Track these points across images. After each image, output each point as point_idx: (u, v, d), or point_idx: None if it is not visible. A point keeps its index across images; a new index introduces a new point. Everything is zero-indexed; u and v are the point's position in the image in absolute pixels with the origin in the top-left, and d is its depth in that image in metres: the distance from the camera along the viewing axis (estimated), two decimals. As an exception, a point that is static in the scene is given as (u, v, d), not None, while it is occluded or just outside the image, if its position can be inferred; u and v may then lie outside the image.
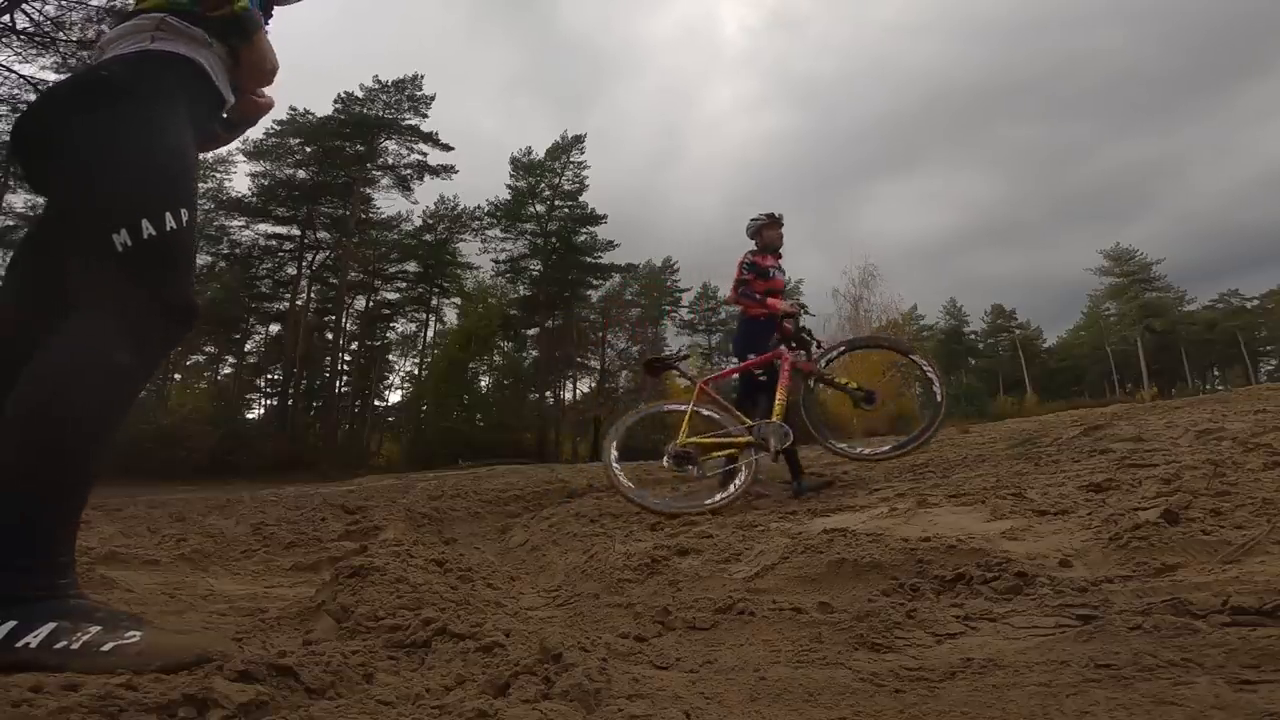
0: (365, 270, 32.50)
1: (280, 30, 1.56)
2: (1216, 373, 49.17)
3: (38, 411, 0.98)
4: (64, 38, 14.77)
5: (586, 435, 34.22)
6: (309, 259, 32.07)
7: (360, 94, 31.42)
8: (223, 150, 30.61)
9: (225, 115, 1.40)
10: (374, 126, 31.37)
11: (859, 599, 1.23)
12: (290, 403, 30.25)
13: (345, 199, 31.37)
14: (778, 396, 3.70)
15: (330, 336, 32.83)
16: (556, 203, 35.85)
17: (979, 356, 51.18)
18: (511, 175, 35.67)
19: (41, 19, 14.38)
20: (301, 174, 31.16)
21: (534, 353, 35.85)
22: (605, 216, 35.93)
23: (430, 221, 34.20)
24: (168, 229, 1.10)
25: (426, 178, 32.46)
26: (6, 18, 13.99)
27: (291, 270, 32.15)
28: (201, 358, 32.29)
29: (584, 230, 36.28)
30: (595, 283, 37.04)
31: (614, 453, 3.57)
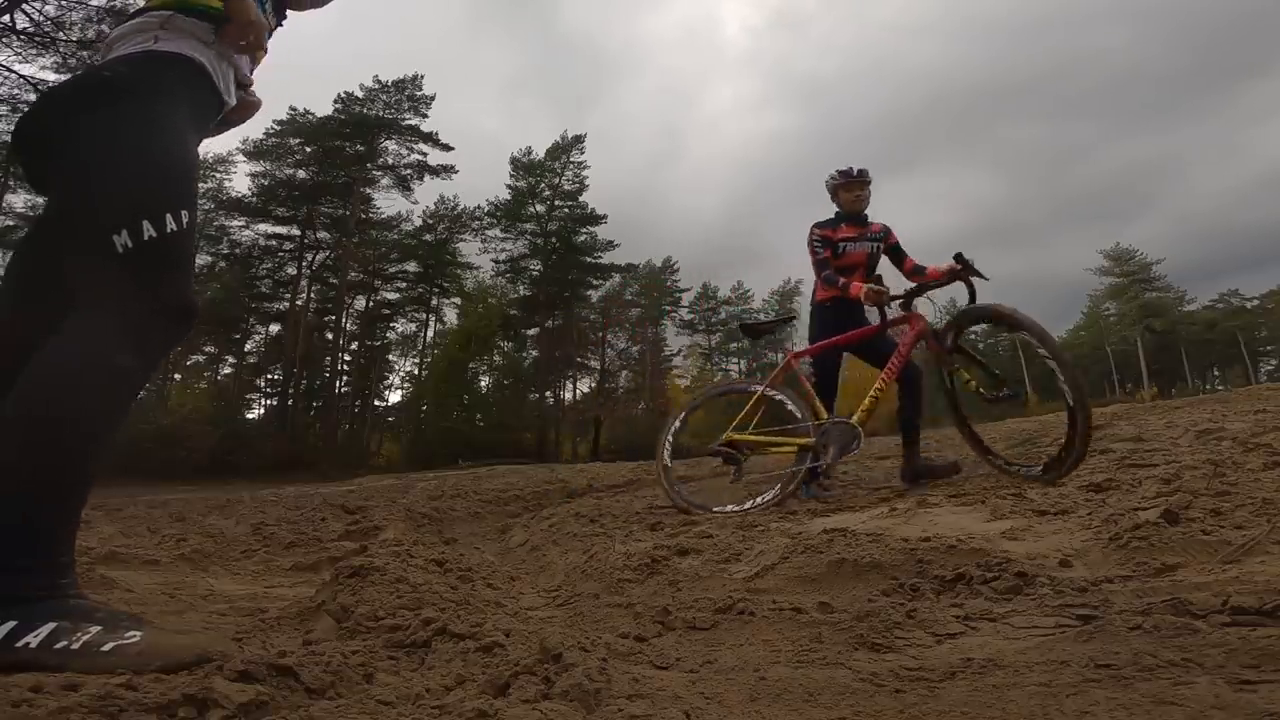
0: (365, 270, 32.52)
1: (281, 29, 1.56)
2: (1216, 373, 49.16)
3: (38, 412, 0.98)
4: (64, 38, 14.78)
5: (586, 435, 34.24)
6: (309, 259, 32.09)
7: (360, 94, 31.45)
8: (223, 150, 30.66)
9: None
10: (374, 126, 31.39)
11: (859, 599, 1.23)
12: (290, 403, 30.26)
13: (345, 199, 31.39)
14: (878, 383, 3.09)
15: (330, 336, 32.85)
16: (556, 203, 35.87)
17: (979, 356, 51.10)
18: (511, 175, 35.73)
19: (41, 19, 14.39)
20: (301, 174, 31.19)
21: (534, 353, 35.88)
22: (605, 216, 35.99)
23: (430, 221, 34.23)
24: (168, 230, 1.10)
25: (426, 178, 32.53)
26: (6, 18, 13.99)
27: (291, 270, 32.19)
28: (201, 358, 32.31)
29: (584, 230, 36.31)
30: (595, 283, 37.09)
31: (668, 445, 3.27)
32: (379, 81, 31.44)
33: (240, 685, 0.74)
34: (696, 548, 1.95)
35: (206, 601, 1.64)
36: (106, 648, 0.90)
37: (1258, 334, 46.84)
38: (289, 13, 1.56)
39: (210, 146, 33.15)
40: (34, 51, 15.17)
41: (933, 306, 3.20)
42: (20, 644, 0.88)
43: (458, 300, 35.09)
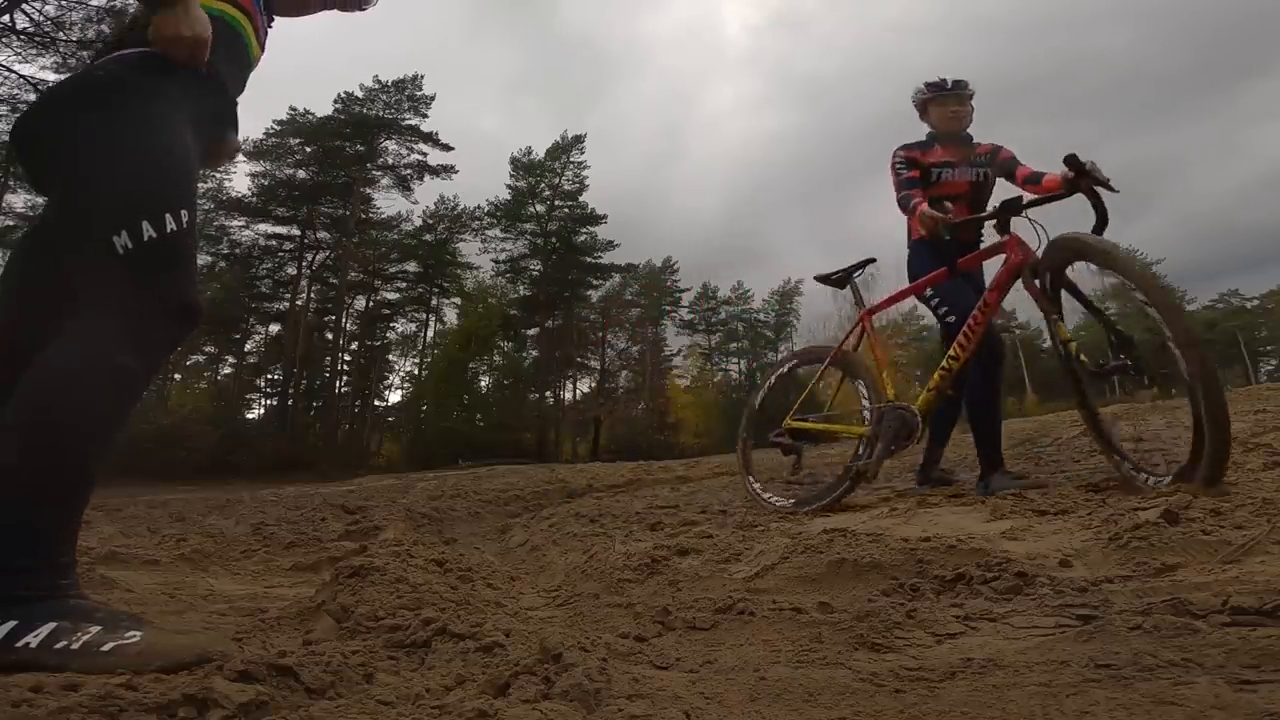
0: (365, 270, 32.54)
1: (281, 29, 1.56)
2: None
3: (39, 414, 0.99)
4: (64, 38, 14.77)
5: (586, 435, 34.24)
6: (309, 259, 32.10)
7: (360, 94, 31.47)
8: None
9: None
10: (374, 126, 31.40)
11: (859, 599, 1.23)
12: (290, 403, 30.28)
13: (345, 199, 31.40)
14: (952, 349, 2.48)
15: (330, 336, 32.86)
16: (556, 203, 35.89)
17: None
18: (511, 175, 35.74)
19: (41, 19, 14.38)
20: (301, 174, 31.21)
21: (534, 353, 35.90)
22: (605, 216, 36.01)
23: (430, 221, 34.23)
24: (168, 230, 1.10)
25: (426, 178, 32.55)
26: (6, 18, 13.99)
27: (291, 270, 32.22)
28: (201, 358, 32.32)
29: (584, 230, 36.33)
30: (595, 283, 37.11)
31: (745, 435, 3.00)
32: (379, 81, 31.46)
33: (240, 685, 0.74)
34: (696, 548, 1.95)
35: (206, 601, 1.64)
36: (106, 648, 0.90)
37: (1258, 334, 46.81)
38: (347, 12, 1.57)
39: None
40: (34, 51, 15.17)
41: (1040, 233, 2.30)
42: (20, 644, 0.88)
43: (458, 300, 35.12)
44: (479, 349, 33.00)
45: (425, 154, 32.12)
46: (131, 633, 0.93)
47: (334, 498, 5.99)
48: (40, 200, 1.53)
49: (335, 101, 31.38)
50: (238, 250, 31.21)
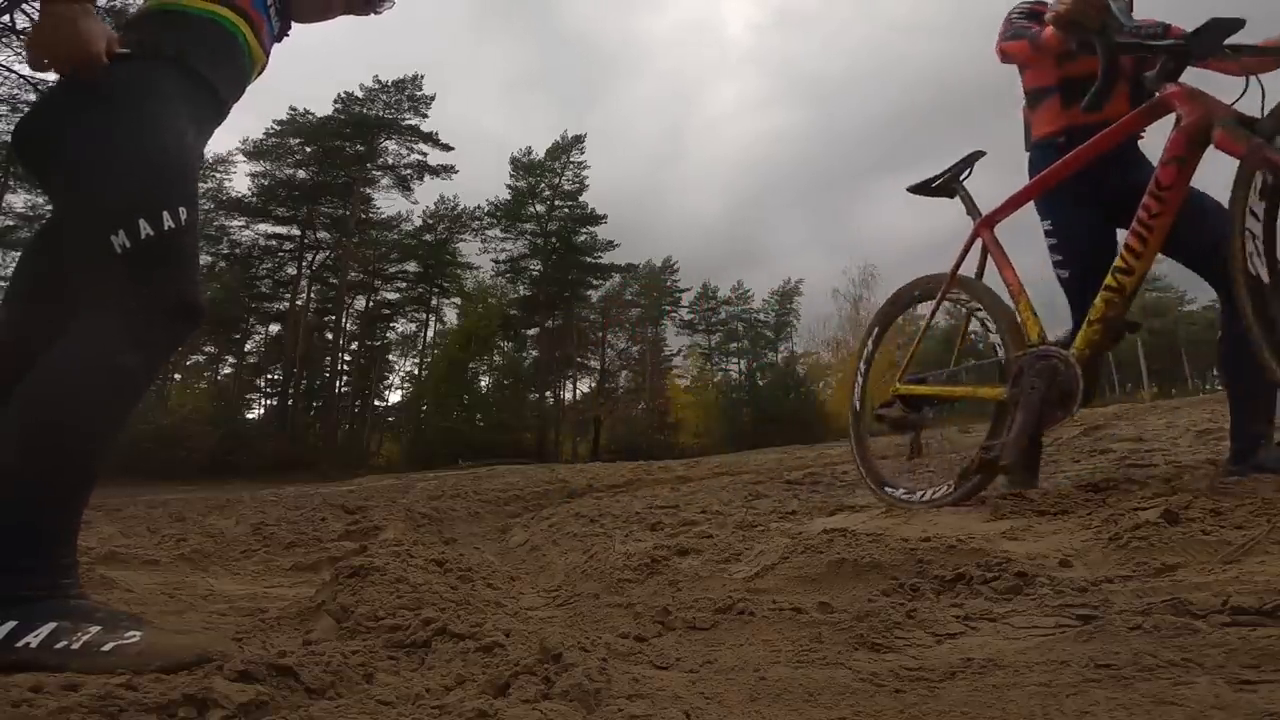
0: (365, 270, 32.57)
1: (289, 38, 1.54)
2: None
3: (41, 414, 0.99)
4: (64, 38, 14.78)
5: (586, 435, 34.26)
6: (309, 259, 32.14)
7: (360, 94, 31.50)
8: (222, 150, 30.65)
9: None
10: (374, 126, 31.43)
11: (859, 599, 1.23)
12: (290, 403, 30.31)
13: (345, 199, 31.42)
14: (1118, 259, 1.76)
15: (330, 336, 32.90)
16: (556, 203, 35.91)
17: (979, 357, 51.10)
18: (511, 175, 35.80)
19: (41, 19, 14.40)
20: (301, 174, 31.25)
21: (534, 353, 35.94)
22: (605, 216, 36.07)
23: (430, 221, 34.27)
24: (166, 228, 1.10)
25: (426, 178, 32.59)
26: (6, 18, 14.00)
27: (291, 270, 32.27)
28: (201, 358, 32.35)
29: (584, 230, 36.37)
30: (595, 283, 37.16)
31: (856, 405, 2.42)
32: (379, 81, 31.48)
33: (240, 685, 0.74)
34: (696, 548, 1.95)
35: (206, 601, 1.64)
36: (106, 648, 0.90)
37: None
38: (363, 15, 1.58)
39: (210, 147, 33.10)
40: (34, 51, 15.19)
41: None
42: (20, 644, 0.88)
43: (458, 300, 35.16)
44: (479, 349, 33.02)
45: (425, 154, 32.19)
46: (131, 633, 0.93)
47: (334, 498, 5.99)
48: (42, 200, 1.54)
49: (335, 101, 31.43)
50: (238, 250, 31.25)
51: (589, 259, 36.24)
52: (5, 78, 15.98)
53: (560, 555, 2.26)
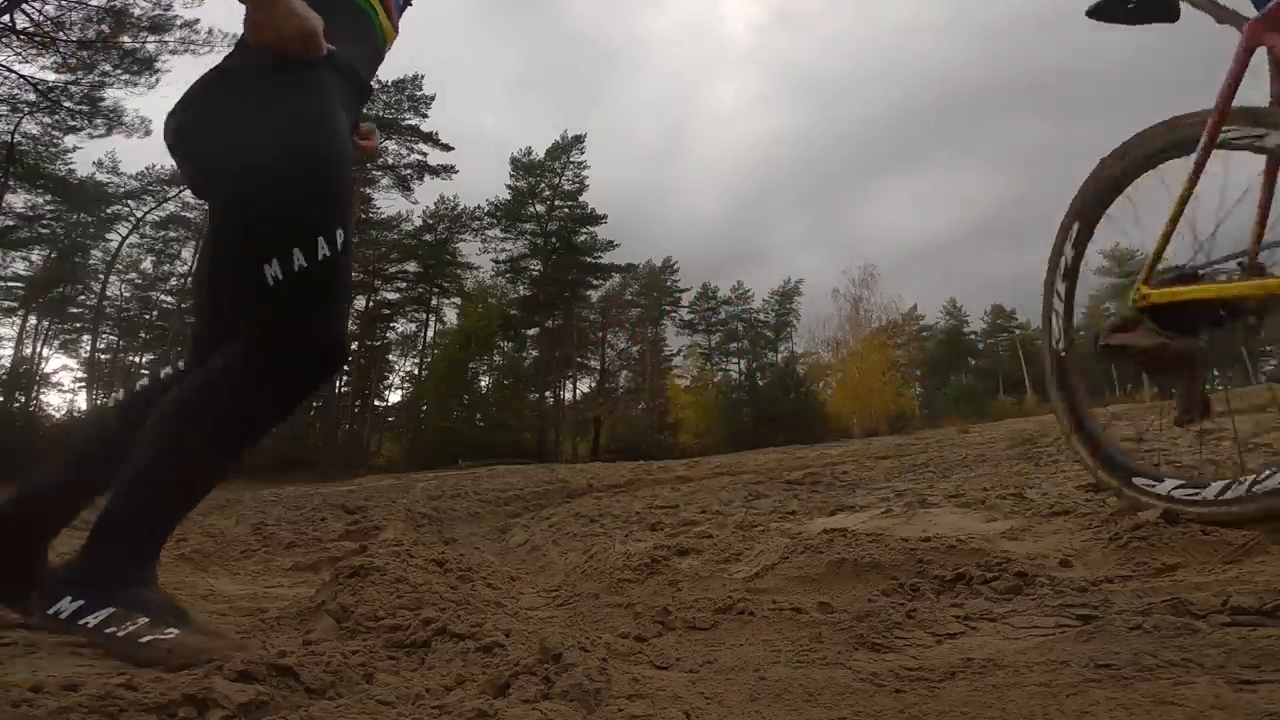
0: (365, 270, 32.51)
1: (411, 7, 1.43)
2: (1216, 373, 49.06)
3: (169, 431, 1.06)
4: (64, 38, 14.77)
5: (586, 435, 34.25)
6: (309, 259, 32.05)
7: (360, 94, 31.38)
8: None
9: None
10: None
11: (859, 599, 1.23)
12: (290, 403, 30.23)
13: (345, 199, 31.34)
14: None
15: (330, 336, 32.82)
16: (556, 203, 35.89)
17: (979, 356, 51.20)
18: (511, 175, 35.78)
19: (41, 19, 14.38)
20: (302, 174, 31.14)
21: (534, 353, 35.94)
22: (605, 216, 36.06)
23: (430, 221, 34.24)
24: (320, 257, 1.05)
25: (426, 178, 32.49)
26: (6, 18, 14.00)
27: (291, 270, 32.13)
28: (201, 358, 32.30)
29: (584, 230, 36.36)
30: (595, 283, 37.16)
31: (1058, 342, 1.60)
32: (379, 81, 31.30)
33: (240, 685, 0.74)
34: (696, 548, 1.95)
35: (206, 601, 1.63)
36: (144, 639, 0.95)
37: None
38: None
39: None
40: (34, 51, 15.16)
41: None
42: (81, 621, 0.97)
43: (458, 300, 35.14)
44: (479, 349, 33.01)
45: (425, 154, 32.11)
46: (170, 629, 0.97)
47: (334, 498, 5.99)
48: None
49: (335, 101, 31.37)
50: (238, 250, 31.21)
51: (589, 259, 36.25)
52: (5, 78, 15.95)
53: (560, 555, 2.26)
